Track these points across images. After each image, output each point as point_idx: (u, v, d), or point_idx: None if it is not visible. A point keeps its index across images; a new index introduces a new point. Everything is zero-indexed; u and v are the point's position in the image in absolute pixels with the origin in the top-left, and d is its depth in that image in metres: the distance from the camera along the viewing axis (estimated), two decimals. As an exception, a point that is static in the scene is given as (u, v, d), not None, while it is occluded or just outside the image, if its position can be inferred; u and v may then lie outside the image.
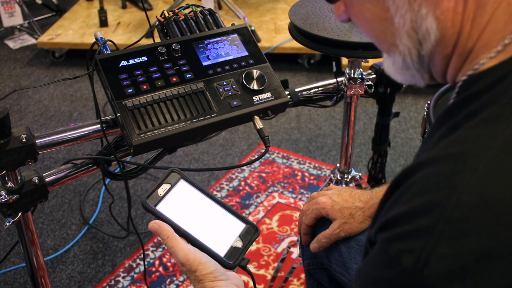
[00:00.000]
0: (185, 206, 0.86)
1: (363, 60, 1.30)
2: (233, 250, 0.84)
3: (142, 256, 1.81)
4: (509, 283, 0.44)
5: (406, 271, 0.47)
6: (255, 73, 1.08)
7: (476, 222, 0.45)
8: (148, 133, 0.97)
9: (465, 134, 0.50)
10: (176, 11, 1.13)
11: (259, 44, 1.63)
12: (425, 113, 1.19)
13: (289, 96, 1.27)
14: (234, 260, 0.83)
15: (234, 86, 1.06)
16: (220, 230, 0.86)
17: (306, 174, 2.21)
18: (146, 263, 1.79)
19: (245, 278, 1.53)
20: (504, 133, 0.48)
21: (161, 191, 0.86)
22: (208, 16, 1.15)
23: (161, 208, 0.84)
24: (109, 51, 1.06)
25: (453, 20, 0.54)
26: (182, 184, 0.88)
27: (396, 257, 0.48)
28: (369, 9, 0.58)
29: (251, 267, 1.75)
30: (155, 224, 0.82)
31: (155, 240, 1.89)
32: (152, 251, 1.84)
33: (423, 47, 0.57)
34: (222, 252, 0.83)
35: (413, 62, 0.59)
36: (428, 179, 0.49)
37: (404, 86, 1.50)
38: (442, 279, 0.45)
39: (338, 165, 1.57)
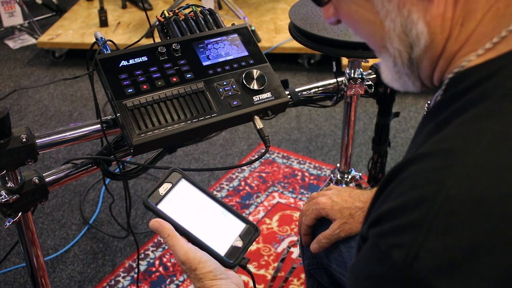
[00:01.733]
0: (186, 205, 0.86)
1: (363, 60, 1.30)
2: (233, 250, 0.84)
3: (142, 256, 1.81)
4: (497, 277, 0.45)
5: (396, 266, 0.47)
6: (255, 73, 1.08)
7: (464, 216, 0.46)
8: (148, 133, 0.97)
9: (455, 130, 0.51)
10: (176, 11, 1.13)
11: (259, 44, 1.63)
12: (425, 113, 1.19)
13: (289, 96, 1.27)
14: (235, 259, 0.84)
15: (234, 86, 1.06)
16: (220, 229, 0.86)
17: (306, 174, 2.21)
18: (146, 263, 1.79)
19: (245, 278, 1.54)
20: (493, 129, 0.48)
21: (162, 190, 0.86)
22: (208, 16, 1.15)
23: (162, 206, 0.84)
24: (109, 51, 1.06)
25: (442, 26, 0.54)
26: (183, 184, 0.88)
27: (387, 252, 0.48)
28: (357, 11, 0.59)
29: (251, 267, 1.75)
30: (156, 222, 0.82)
31: (155, 240, 1.89)
32: (152, 251, 1.84)
33: (414, 51, 0.57)
34: (222, 251, 0.84)
35: (404, 65, 0.60)
36: (417, 175, 0.50)
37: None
38: (431, 273, 0.46)
39: (338, 165, 1.57)
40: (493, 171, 0.46)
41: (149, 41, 1.14)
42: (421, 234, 0.46)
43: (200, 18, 1.14)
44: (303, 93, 1.34)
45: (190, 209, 0.86)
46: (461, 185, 0.46)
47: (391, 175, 0.53)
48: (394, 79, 0.63)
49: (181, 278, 1.74)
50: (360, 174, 1.57)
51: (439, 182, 0.47)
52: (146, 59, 1.04)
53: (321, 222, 1.02)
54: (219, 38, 1.11)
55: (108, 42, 1.07)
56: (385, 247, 0.49)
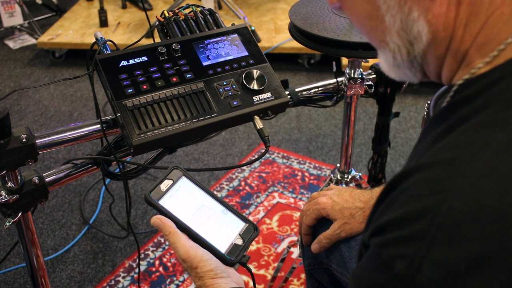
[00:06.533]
0: (187, 203, 0.86)
1: (363, 60, 1.30)
2: (234, 247, 0.85)
3: (142, 256, 1.81)
4: None
5: (398, 276, 0.47)
6: (255, 73, 1.08)
7: (468, 228, 0.45)
8: (148, 133, 0.97)
9: (458, 138, 0.50)
10: (176, 11, 1.13)
11: (259, 44, 1.63)
12: (425, 113, 1.19)
13: (289, 96, 1.27)
14: (235, 256, 0.84)
15: (234, 86, 1.06)
16: (221, 227, 0.86)
17: (306, 174, 2.21)
18: (146, 263, 1.79)
19: (245, 278, 1.54)
20: (496, 139, 0.48)
21: (163, 186, 0.86)
22: (208, 16, 1.15)
23: (163, 202, 0.85)
24: (109, 51, 1.06)
25: (445, 25, 0.54)
26: (184, 181, 0.89)
27: (389, 262, 0.48)
28: (361, 5, 0.59)
29: (251, 267, 1.75)
30: (157, 219, 0.82)
31: (155, 240, 1.89)
32: (152, 251, 1.84)
33: (414, 48, 0.58)
34: (223, 248, 0.84)
35: (403, 60, 0.60)
36: (421, 185, 0.49)
37: (404, 86, 1.51)
38: (434, 285, 0.45)
39: (338, 165, 1.57)
40: (497, 182, 0.46)
41: (149, 41, 1.14)
42: (424, 245, 0.46)
43: (200, 18, 1.14)
44: (303, 93, 1.34)
45: (191, 206, 0.86)
46: (464, 196, 0.46)
47: (393, 183, 0.53)
48: (392, 70, 0.63)
49: (181, 278, 1.74)
50: (360, 174, 1.57)
51: (443, 193, 0.47)
52: (146, 59, 1.04)
53: (322, 222, 1.02)
54: (219, 38, 1.11)
55: (108, 42, 1.07)
56: (387, 257, 0.48)
